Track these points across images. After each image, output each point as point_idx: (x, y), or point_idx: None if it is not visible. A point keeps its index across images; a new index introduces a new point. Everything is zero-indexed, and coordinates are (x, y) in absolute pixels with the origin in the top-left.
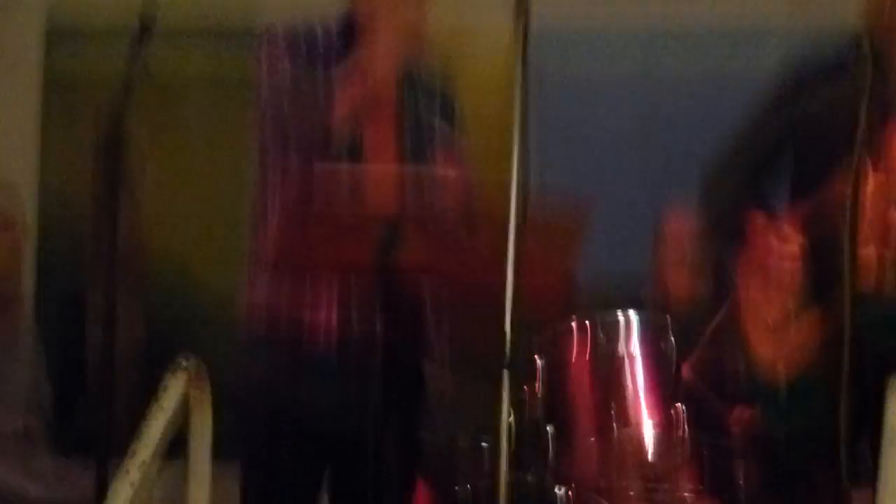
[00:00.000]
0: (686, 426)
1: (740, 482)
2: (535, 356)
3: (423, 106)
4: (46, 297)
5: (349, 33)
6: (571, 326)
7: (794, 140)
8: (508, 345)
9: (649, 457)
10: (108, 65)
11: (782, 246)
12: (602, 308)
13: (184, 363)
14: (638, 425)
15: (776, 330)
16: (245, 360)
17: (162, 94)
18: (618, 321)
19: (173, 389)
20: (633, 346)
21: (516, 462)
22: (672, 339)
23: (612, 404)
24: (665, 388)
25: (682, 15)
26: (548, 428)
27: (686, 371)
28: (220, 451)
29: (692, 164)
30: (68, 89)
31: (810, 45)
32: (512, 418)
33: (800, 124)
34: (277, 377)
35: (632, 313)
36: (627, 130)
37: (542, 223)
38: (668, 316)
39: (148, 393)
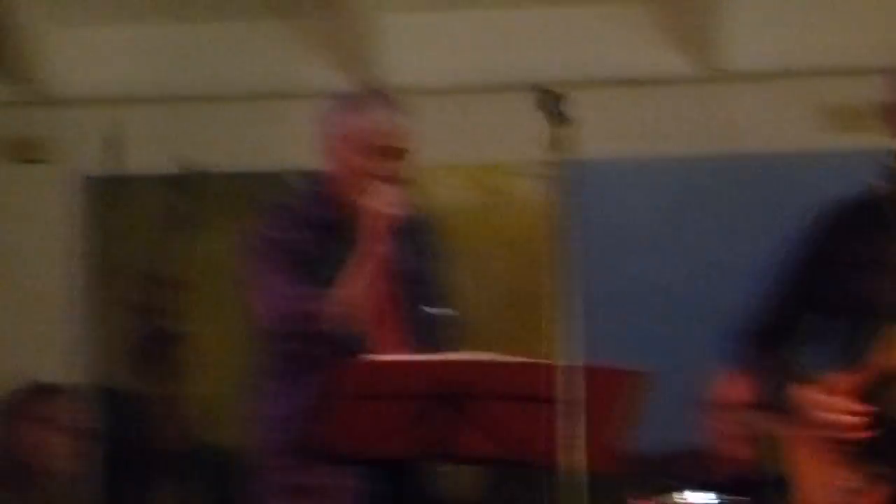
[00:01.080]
0: None
1: None
2: None
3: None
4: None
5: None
6: None
7: (836, 298)
8: None
9: None
10: (148, 213)
11: (840, 418)
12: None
13: None
14: None
15: None
16: None
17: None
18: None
19: None
20: None
21: None
22: None
23: None
24: None
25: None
26: None
27: None
28: None
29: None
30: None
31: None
32: None
33: (841, 280)
34: None
35: (689, 494)
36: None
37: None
38: (727, 495)
39: None
